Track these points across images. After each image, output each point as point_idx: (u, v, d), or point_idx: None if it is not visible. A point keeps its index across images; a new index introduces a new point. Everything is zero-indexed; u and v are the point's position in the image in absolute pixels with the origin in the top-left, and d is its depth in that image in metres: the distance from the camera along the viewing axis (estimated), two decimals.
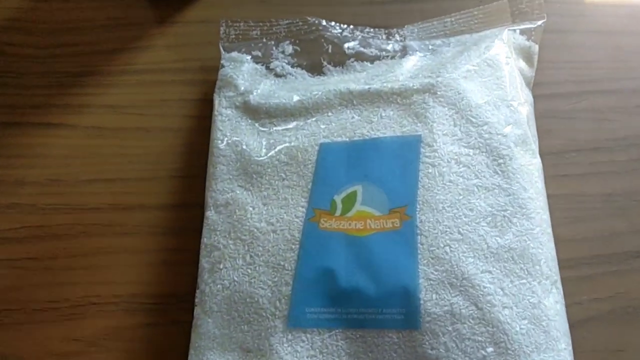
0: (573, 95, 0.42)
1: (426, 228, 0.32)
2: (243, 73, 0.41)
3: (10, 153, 0.41)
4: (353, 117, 0.37)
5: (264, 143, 0.37)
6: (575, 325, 0.34)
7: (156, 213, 0.39)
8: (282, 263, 0.33)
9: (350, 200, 0.34)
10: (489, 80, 0.37)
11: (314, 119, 0.38)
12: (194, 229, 0.37)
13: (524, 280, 0.32)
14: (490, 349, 0.30)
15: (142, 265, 0.38)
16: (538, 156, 0.36)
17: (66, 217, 0.39)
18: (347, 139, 0.36)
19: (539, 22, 0.40)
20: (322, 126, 0.37)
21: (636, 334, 0.36)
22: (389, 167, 0.34)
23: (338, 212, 0.34)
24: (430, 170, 0.34)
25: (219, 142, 0.38)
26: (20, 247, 0.39)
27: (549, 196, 0.37)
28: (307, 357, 0.31)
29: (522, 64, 0.39)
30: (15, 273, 0.38)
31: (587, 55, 0.43)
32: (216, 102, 0.40)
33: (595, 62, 0.43)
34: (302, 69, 0.41)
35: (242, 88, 0.40)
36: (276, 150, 0.37)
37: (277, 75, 0.41)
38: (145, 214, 0.39)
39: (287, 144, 0.37)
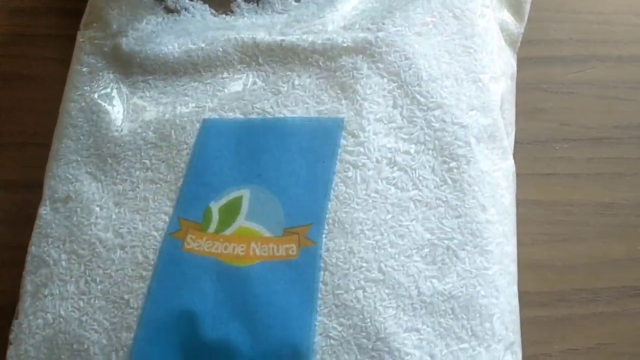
0: (576, 61, 0.33)
1: (334, 261, 0.23)
2: (120, 4, 0.29)
3: None
4: (255, 83, 0.27)
5: (130, 111, 0.27)
6: None
7: None
8: (125, 297, 0.24)
9: (231, 211, 0.24)
10: (453, 39, 0.27)
11: (201, 82, 0.27)
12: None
13: (466, 345, 0.23)
14: None
15: None
16: (511, 157, 0.26)
17: None
18: (242, 116, 0.26)
19: None
20: (211, 92, 0.27)
21: None
22: (293, 165, 0.25)
23: (212, 228, 0.24)
24: (350, 174, 0.24)
25: (72, 104, 0.28)
26: None
27: (526, 201, 0.29)
28: None
29: (507, 15, 0.30)
30: None
31: (602, 4, 0.34)
32: (77, 45, 0.29)
33: (613, 14, 0.34)
34: (204, 2, 0.30)
35: (115, 26, 0.29)
36: (144, 122, 0.26)
37: (169, 11, 0.30)
38: None
39: (159, 116, 0.26)
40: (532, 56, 0.32)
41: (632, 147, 0.31)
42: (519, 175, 0.28)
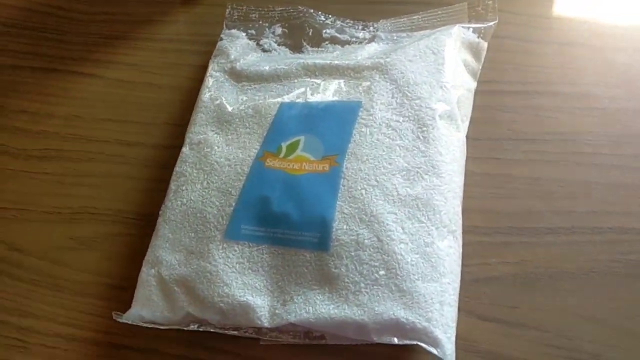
0: (521, 93, 0.45)
1: (349, 174, 0.37)
2: (236, 46, 0.47)
3: (47, 92, 0.50)
4: (313, 84, 0.43)
5: (239, 100, 0.43)
6: (480, 281, 0.38)
7: (149, 150, 0.46)
8: (230, 190, 0.38)
9: (293, 147, 0.39)
10: (430, 64, 0.41)
11: (281, 84, 0.43)
12: (175, 165, 0.44)
13: (423, 224, 0.35)
14: (382, 272, 0.34)
15: (131, 189, 0.45)
16: (462, 132, 0.40)
17: (80, 145, 0.47)
18: (303, 101, 0.42)
19: (491, 23, 0.44)
20: (287, 89, 0.43)
21: (532, 295, 0.38)
22: (330, 124, 0.40)
23: (282, 155, 0.39)
24: (363, 130, 0.39)
25: (204, 95, 0.44)
26: (40, 163, 0.46)
27: (480, 174, 0.41)
28: (236, 263, 0.36)
29: (468, 56, 0.44)
30: (33, 182, 0.46)
31: (542, 61, 0.47)
32: (210, 66, 0.46)
33: (548, 68, 0.47)
34: (286, 47, 0.48)
35: (232, 57, 0.46)
36: (246, 105, 0.43)
37: (264, 51, 0.48)
38: (141, 150, 0.46)
39: (255, 101, 0.43)
40: (493, 89, 0.44)
41: (554, 145, 0.42)
42: (479, 159, 0.41)
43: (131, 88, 0.49)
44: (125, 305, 0.37)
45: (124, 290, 0.39)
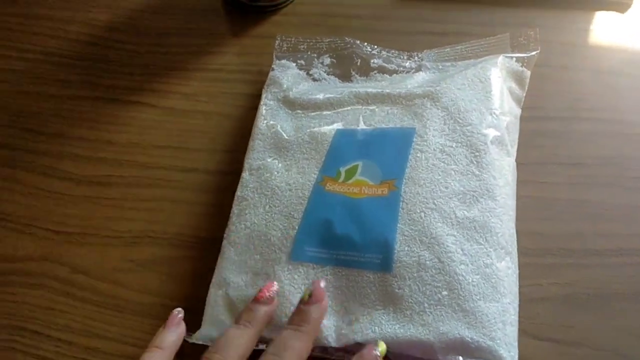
0: (563, 119, 0.47)
1: (408, 197, 0.38)
2: (288, 76, 0.49)
3: (106, 120, 0.51)
4: (366, 112, 0.44)
5: (294, 127, 0.45)
6: (533, 301, 0.39)
7: (205, 176, 0.48)
8: (292, 213, 0.40)
9: (352, 172, 0.41)
10: (479, 92, 0.43)
11: (335, 111, 0.45)
12: (231, 190, 0.44)
13: (482, 246, 0.37)
14: (445, 293, 0.35)
15: (190, 213, 0.46)
16: (512, 156, 0.42)
17: (138, 171, 0.48)
18: (358, 128, 0.43)
19: (533, 53, 0.46)
20: (341, 117, 0.44)
21: (584, 315, 0.39)
22: (386, 150, 0.41)
23: (341, 179, 0.41)
24: (418, 155, 0.40)
25: (261, 123, 0.46)
26: (101, 189, 0.48)
27: (527, 197, 0.42)
28: (302, 285, 0.37)
29: (513, 84, 0.45)
30: (95, 208, 0.47)
31: (582, 88, 0.48)
32: (263, 95, 0.48)
33: (588, 95, 0.48)
34: (335, 76, 0.49)
35: (285, 86, 0.48)
36: (302, 132, 0.44)
37: (314, 80, 0.49)
38: (197, 175, 0.48)
39: (310, 128, 0.44)
40: (538, 115, 0.46)
41: (598, 169, 0.43)
42: (526, 182, 0.42)
43: (185, 116, 0.51)
44: (187, 326, 0.38)
45: (185, 311, 0.40)
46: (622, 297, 0.40)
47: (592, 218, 0.43)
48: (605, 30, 0.51)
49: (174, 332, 0.35)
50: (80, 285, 0.44)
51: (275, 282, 0.37)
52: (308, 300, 0.35)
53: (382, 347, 0.34)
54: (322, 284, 0.35)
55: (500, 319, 0.35)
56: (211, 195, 0.47)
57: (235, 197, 0.43)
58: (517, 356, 0.35)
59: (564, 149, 0.46)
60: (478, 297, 0.35)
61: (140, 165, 0.49)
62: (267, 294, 0.36)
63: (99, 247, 0.45)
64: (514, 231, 0.39)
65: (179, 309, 0.37)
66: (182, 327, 0.36)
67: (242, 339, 0.33)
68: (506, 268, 0.37)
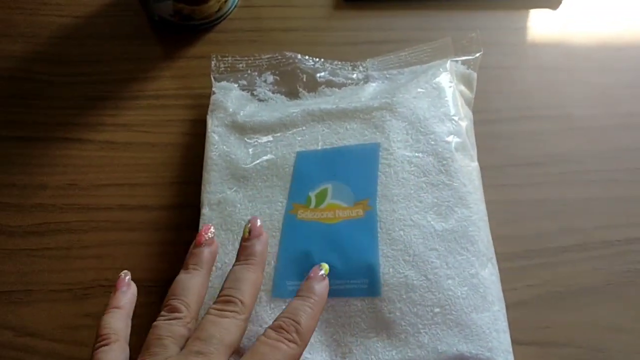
0: (512, 120, 0.47)
1: (385, 216, 0.37)
2: (231, 98, 0.45)
3: (36, 162, 0.45)
4: (323, 130, 0.42)
5: (250, 153, 0.42)
6: (510, 307, 0.37)
7: (157, 212, 0.43)
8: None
9: (322, 195, 0.38)
10: (435, 100, 0.42)
11: (290, 133, 0.42)
12: (187, 226, 0.41)
13: (464, 256, 0.36)
14: (437, 310, 0.34)
15: (143, 255, 0.42)
16: (476, 161, 0.41)
17: (81, 215, 0.43)
18: (319, 148, 0.41)
19: (477, 55, 0.45)
20: (298, 138, 0.42)
21: (560, 314, 0.39)
22: (354, 168, 0.39)
23: (312, 205, 0.38)
24: (387, 170, 0.38)
25: (212, 153, 0.42)
26: (41, 239, 0.42)
27: (489, 202, 0.40)
28: None
29: (463, 87, 0.45)
30: (36, 261, 0.42)
31: (526, 87, 0.48)
32: (209, 121, 0.44)
33: (533, 92, 0.48)
34: (281, 94, 0.46)
35: (231, 110, 0.44)
36: (260, 159, 0.41)
37: (260, 100, 0.46)
38: (147, 213, 0.43)
39: (268, 154, 0.41)
40: (486, 118, 0.45)
41: (553, 167, 0.43)
42: (485, 187, 0.40)
43: (125, 149, 0.46)
44: None
45: None
46: (591, 291, 0.40)
47: (554, 216, 0.43)
48: (540, 27, 0.52)
49: (126, 292, 0.35)
50: (31, 349, 0.39)
51: (210, 224, 0.37)
52: (249, 236, 0.35)
53: (325, 267, 0.35)
54: (258, 222, 0.36)
55: (493, 327, 0.34)
56: (166, 233, 0.43)
57: None
58: None
59: (517, 149, 0.46)
60: (470, 310, 0.34)
61: (82, 208, 0.44)
62: (206, 236, 0.36)
63: (46, 303, 0.40)
64: (490, 236, 0.38)
65: (126, 271, 0.36)
66: (133, 287, 0.35)
67: (194, 281, 0.34)
68: (490, 275, 0.36)
